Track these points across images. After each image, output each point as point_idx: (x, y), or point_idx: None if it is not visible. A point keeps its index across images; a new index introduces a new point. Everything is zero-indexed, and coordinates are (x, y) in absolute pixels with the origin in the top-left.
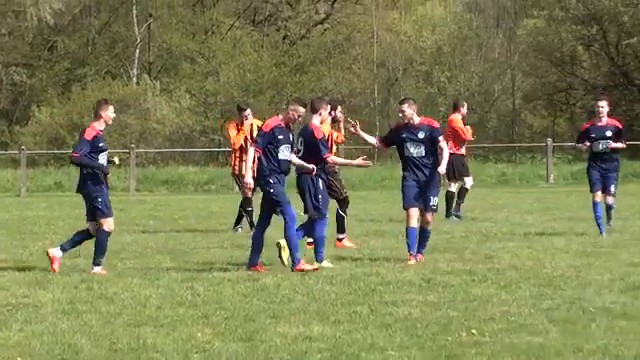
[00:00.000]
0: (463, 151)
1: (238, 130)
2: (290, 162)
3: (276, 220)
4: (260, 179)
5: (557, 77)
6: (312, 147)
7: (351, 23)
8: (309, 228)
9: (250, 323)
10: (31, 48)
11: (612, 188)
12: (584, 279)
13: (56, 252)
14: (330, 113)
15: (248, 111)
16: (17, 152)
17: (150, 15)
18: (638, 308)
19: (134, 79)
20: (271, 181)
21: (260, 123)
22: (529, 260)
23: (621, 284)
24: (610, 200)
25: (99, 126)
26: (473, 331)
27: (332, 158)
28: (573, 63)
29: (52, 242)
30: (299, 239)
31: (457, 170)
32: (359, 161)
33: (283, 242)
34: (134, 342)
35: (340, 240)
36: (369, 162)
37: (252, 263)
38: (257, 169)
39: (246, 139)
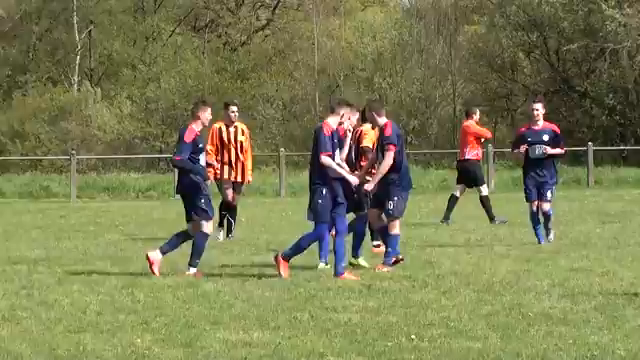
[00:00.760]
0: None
1: (212, 139)
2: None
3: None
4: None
5: (498, 83)
6: (316, 144)
7: (292, 29)
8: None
9: (190, 329)
10: None
11: (548, 194)
12: (524, 285)
13: (155, 255)
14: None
15: (234, 108)
16: None
17: (91, 22)
18: (577, 313)
19: (75, 85)
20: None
21: (244, 126)
22: (469, 266)
23: (560, 289)
24: (546, 207)
25: (197, 127)
26: (412, 336)
27: (327, 160)
28: (514, 69)
29: None
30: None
31: (479, 175)
32: (348, 175)
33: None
34: (74, 348)
35: (376, 247)
36: (355, 180)
37: (338, 272)
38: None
39: (236, 142)
